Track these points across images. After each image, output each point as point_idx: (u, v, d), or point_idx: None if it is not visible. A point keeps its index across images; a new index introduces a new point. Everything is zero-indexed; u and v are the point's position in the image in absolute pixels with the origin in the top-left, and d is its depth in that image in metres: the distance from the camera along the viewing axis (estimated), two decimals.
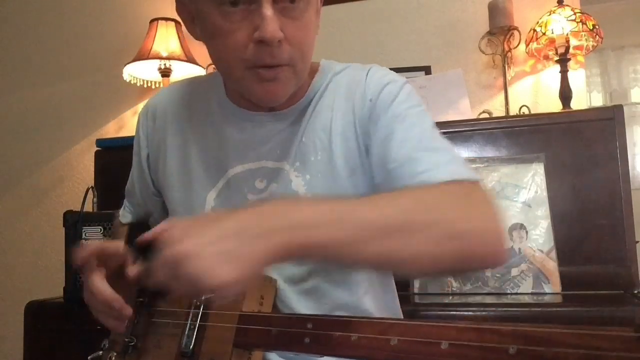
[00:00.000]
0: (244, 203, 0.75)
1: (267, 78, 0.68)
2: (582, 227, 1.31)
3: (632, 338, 0.35)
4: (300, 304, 0.73)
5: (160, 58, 1.84)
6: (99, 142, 1.79)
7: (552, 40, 1.64)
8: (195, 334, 0.67)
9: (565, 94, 1.61)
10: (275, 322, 0.60)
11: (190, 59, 1.89)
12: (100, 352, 0.76)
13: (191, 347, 0.67)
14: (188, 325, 0.69)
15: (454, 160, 0.67)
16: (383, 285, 0.82)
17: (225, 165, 0.78)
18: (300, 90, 0.76)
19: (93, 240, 1.34)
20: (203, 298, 0.67)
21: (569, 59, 1.64)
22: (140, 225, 0.95)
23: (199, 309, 0.69)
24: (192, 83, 0.87)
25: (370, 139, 0.73)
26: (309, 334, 0.54)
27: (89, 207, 1.50)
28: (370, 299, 0.77)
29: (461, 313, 1.13)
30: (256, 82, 0.68)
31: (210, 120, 0.80)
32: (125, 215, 0.96)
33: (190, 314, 0.69)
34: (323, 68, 0.80)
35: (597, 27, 1.61)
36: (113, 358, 0.74)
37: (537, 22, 1.66)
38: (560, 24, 1.60)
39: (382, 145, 0.70)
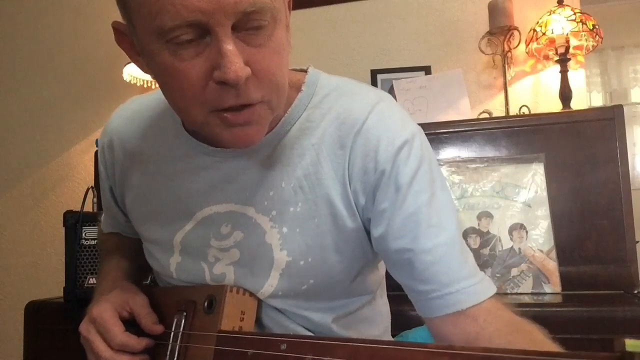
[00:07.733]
0: (207, 249, 0.69)
1: (237, 123, 0.55)
2: (582, 227, 1.31)
3: None
4: (273, 321, 0.70)
5: None
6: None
7: (552, 40, 1.63)
8: (176, 356, 0.66)
9: (565, 94, 1.61)
10: (250, 344, 0.59)
11: None
12: None
13: None
14: (170, 346, 0.67)
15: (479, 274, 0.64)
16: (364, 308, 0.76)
17: (193, 207, 0.69)
18: (277, 114, 0.61)
19: (92, 242, 1.34)
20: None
21: (569, 59, 1.64)
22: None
23: (179, 329, 0.67)
24: (146, 110, 0.76)
25: (379, 207, 0.62)
26: (283, 357, 0.54)
27: (89, 207, 1.50)
28: (341, 326, 0.72)
29: None
30: (223, 128, 0.55)
31: (171, 157, 0.71)
32: (105, 225, 0.91)
33: (172, 335, 0.68)
34: (309, 83, 0.65)
35: (597, 27, 1.61)
36: None
37: (537, 22, 1.66)
38: (560, 24, 1.60)
39: (403, 223, 0.61)
